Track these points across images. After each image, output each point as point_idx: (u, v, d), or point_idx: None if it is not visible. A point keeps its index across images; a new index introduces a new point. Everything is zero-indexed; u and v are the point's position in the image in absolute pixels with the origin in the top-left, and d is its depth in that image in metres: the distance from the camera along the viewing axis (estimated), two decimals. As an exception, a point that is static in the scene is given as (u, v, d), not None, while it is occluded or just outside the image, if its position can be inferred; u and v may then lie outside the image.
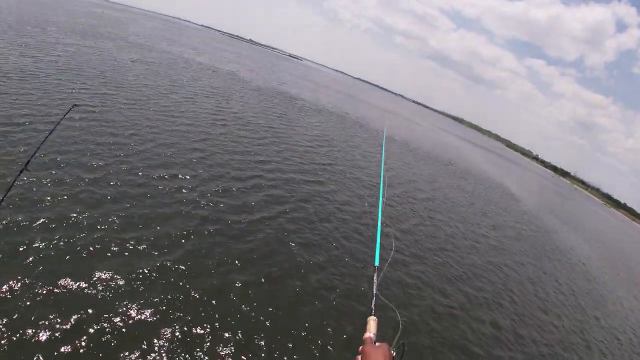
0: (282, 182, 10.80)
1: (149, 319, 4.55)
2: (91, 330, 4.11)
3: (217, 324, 4.89)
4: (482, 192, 24.73)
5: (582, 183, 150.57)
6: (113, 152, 8.66)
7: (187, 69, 26.48)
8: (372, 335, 1.39)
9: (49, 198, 6.09)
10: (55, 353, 3.76)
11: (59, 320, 4.06)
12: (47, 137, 3.60)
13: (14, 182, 3.09)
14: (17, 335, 3.75)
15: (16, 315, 3.95)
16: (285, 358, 4.86)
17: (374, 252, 1.99)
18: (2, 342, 3.64)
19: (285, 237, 7.82)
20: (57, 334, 3.92)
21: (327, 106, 35.03)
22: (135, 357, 4.04)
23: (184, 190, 8.09)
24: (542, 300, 10.87)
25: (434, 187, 19.17)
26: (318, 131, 21.10)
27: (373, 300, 1.67)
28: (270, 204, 9.02)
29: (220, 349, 4.57)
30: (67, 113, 4.31)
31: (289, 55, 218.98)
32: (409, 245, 10.14)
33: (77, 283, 4.63)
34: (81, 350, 3.89)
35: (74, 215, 5.91)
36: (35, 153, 3.41)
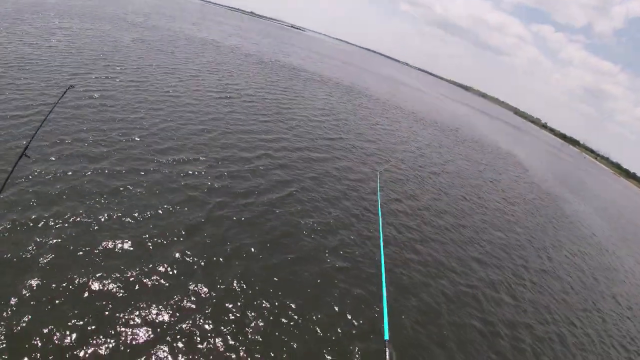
0: (290, 160, 10.62)
1: (170, 312, 4.39)
2: (108, 325, 3.97)
3: (246, 312, 4.78)
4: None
5: (592, 152, 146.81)
6: (117, 134, 8.58)
7: (189, 45, 25.92)
8: None
9: (48, 188, 5.82)
10: (79, 349, 3.66)
11: (71, 315, 3.92)
12: (44, 120, 3.52)
13: (13, 167, 3.05)
14: (19, 330, 3.64)
15: (21, 310, 3.82)
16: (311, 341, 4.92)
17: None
18: (5, 340, 3.54)
19: (299, 219, 7.63)
20: (68, 330, 3.80)
21: (332, 77, 34.18)
22: (163, 352, 3.95)
23: (191, 173, 7.90)
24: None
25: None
26: (323, 104, 20.68)
27: None
28: (281, 184, 8.88)
29: (250, 336, 4.48)
30: (63, 95, 4.20)
31: (292, 27, 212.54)
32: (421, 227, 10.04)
33: (88, 277, 4.42)
34: (104, 348, 3.78)
35: (77, 207, 5.63)
36: (33, 137, 3.35)
